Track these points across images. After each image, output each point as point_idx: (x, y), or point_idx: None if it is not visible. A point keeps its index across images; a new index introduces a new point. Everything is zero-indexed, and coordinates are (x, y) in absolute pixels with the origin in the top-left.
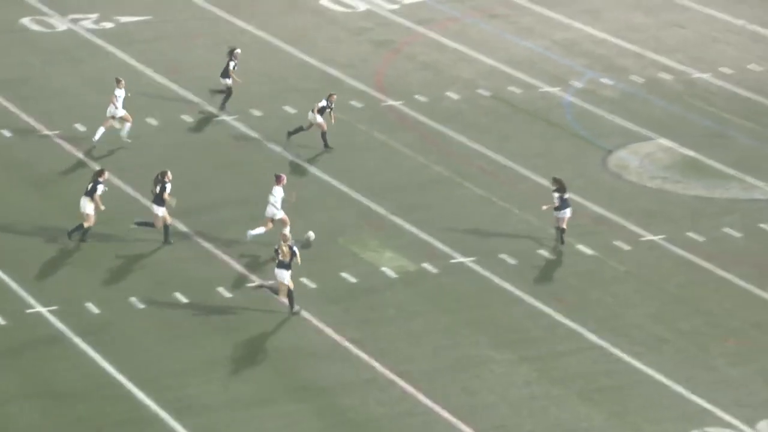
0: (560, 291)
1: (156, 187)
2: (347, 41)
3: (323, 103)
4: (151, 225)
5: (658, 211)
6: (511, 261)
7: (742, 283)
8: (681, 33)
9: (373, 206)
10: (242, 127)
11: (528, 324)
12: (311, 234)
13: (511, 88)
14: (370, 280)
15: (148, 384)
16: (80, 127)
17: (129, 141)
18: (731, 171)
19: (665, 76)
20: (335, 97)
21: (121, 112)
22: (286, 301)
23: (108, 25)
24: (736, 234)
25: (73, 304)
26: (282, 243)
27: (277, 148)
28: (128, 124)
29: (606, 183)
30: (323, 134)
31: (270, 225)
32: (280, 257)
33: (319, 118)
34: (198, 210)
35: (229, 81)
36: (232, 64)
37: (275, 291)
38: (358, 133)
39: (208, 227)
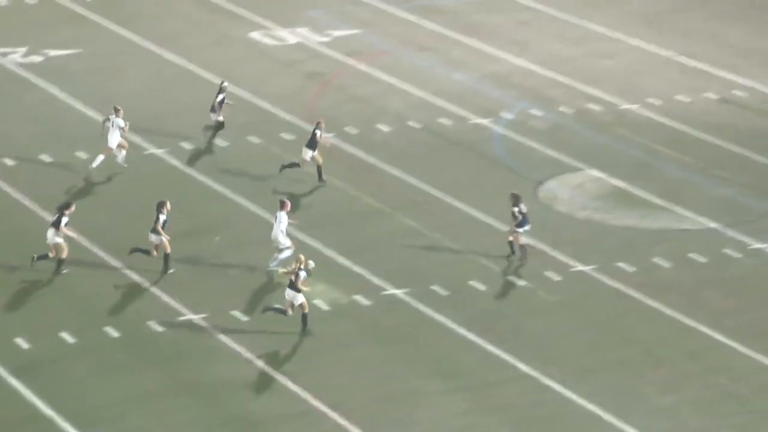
0: (492, 321)
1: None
2: (278, 74)
3: (318, 133)
4: (148, 253)
5: (589, 241)
6: (443, 292)
7: (672, 313)
8: (609, 64)
9: (305, 238)
10: (173, 160)
11: (461, 355)
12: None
13: (442, 120)
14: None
15: (80, 418)
16: (8, 162)
17: (125, 165)
18: (660, 201)
19: (594, 107)
20: (323, 123)
21: (117, 140)
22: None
23: (37, 58)
24: (666, 264)
25: (2, 339)
26: (294, 265)
27: (208, 180)
28: (124, 151)
29: (536, 214)
30: (319, 168)
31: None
32: (292, 278)
33: (311, 153)
34: (128, 243)
35: (217, 115)
36: (220, 97)
37: (283, 312)
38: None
39: (139, 260)
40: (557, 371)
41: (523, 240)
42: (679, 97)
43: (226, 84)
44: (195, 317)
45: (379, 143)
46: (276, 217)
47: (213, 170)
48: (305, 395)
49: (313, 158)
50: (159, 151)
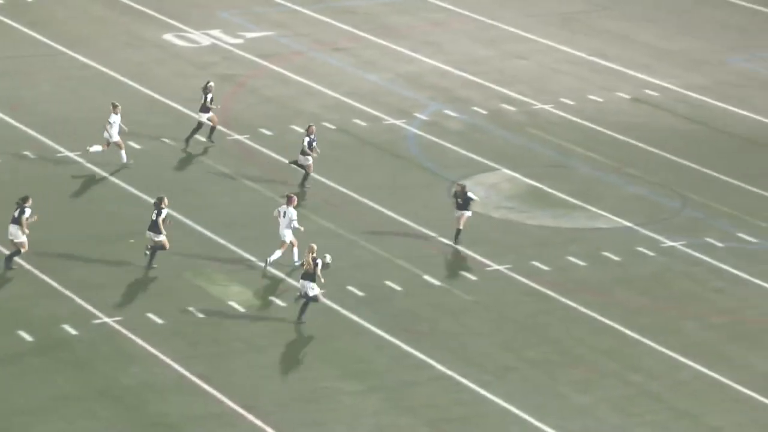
0: (408, 321)
1: (153, 213)
2: (192, 76)
3: (306, 140)
4: (162, 249)
5: (504, 240)
6: (359, 293)
7: (587, 311)
8: (523, 64)
9: (220, 240)
10: (85, 163)
11: (376, 355)
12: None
13: (356, 121)
14: (217, 314)
15: None
16: None
17: (131, 162)
18: (574, 200)
19: (508, 107)
20: (314, 128)
21: (115, 138)
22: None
23: None
24: (581, 263)
25: None
26: (307, 254)
27: (121, 183)
28: (122, 151)
29: (452, 214)
30: (307, 175)
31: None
32: (305, 268)
33: (310, 159)
34: (41, 246)
35: (205, 116)
36: (209, 97)
37: (314, 299)
38: (203, 167)
39: (53, 263)
40: (473, 371)
41: (461, 225)
42: (592, 97)
43: (212, 84)
44: (110, 320)
45: (293, 144)
46: (282, 213)
47: (126, 172)
48: (221, 397)
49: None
50: (71, 154)
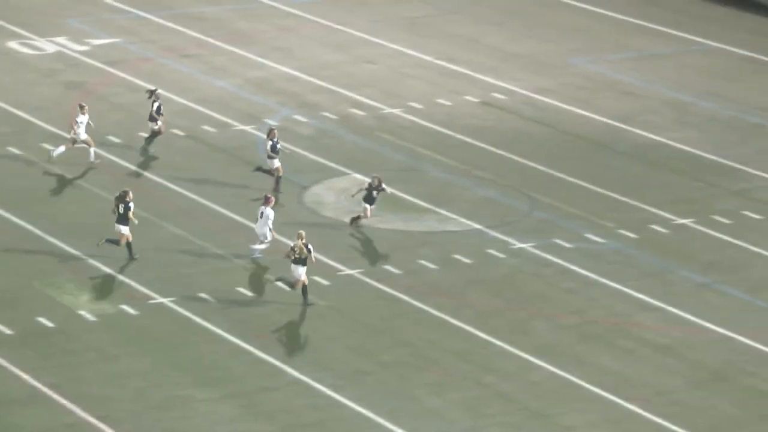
0: (261, 327)
1: (119, 207)
2: (38, 83)
3: (269, 144)
4: (117, 243)
5: (355, 245)
6: (211, 299)
7: (439, 314)
8: (371, 69)
9: (70, 249)
10: None
11: (230, 361)
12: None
13: (206, 127)
14: (67, 323)
15: None
16: None
17: (99, 161)
18: (425, 204)
19: (357, 112)
20: (276, 132)
21: (83, 137)
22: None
23: None
24: (432, 266)
25: None
26: (298, 241)
27: None
28: (92, 149)
29: (303, 219)
30: (278, 178)
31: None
32: (297, 254)
33: (277, 162)
34: None
35: (154, 124)
36: (156, 105)
37: (291, 285)
38: (51, 175)
39: None
40: (328, 375)
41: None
42: (441, 101)
43: (159, 91)
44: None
45: (142, 152)
46: (261, 213)
47: None
48: (72, 407)
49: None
50: None
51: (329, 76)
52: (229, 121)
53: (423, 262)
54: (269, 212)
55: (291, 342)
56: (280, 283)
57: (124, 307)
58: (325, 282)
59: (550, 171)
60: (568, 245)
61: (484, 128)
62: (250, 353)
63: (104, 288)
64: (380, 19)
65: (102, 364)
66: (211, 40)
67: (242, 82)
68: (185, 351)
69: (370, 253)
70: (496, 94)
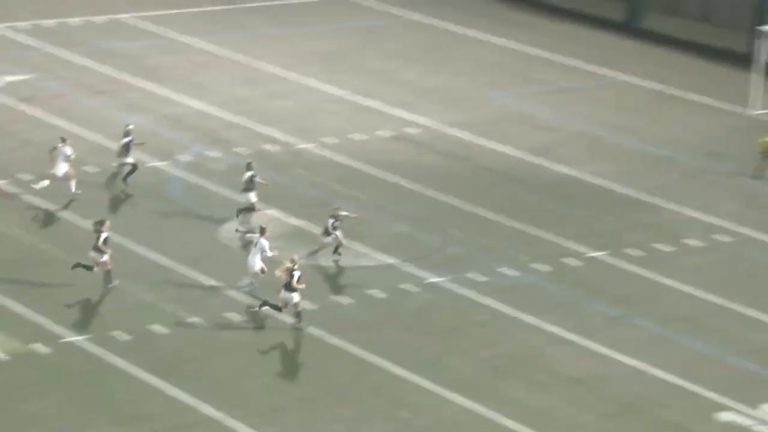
0: (175, 364)
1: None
2: None
3: (248, 175)
4: (90, 268)
5: (270, 281)
6: (125, 337)
7: (354, 349)
8: (285, 104)
9: None
10: None
11: (144, 400)
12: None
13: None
14: None
15: None
16: None
17: (80, 192)
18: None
19: (271, 148)
20: (253, 164)
21: (65, 170)
22: (290, 319)
23: None
24: (346, 301)
25: None
26: (289, 264)
27: None
28: (73, 181)
29: (216, 254)
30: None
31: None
32: (285, 280)
33: (254, 197)
34: None
35: (126, 158)
36: (126, 140)
37: (278, 309)
38: None
39: None
40: (242, 412)
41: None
42: (354, 136)
43: (131, 126)
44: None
45: (54, 189)
46: (255, 243)
47: None
48: None
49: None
50: None
51: (243, 111)
52: (143, 157)
53: (337, 297)
54: (264, 243)
55: (206, 379)
56: (266, 308)
57: (36, 345)
58: (239, 317)
59: (464, 205)
60: (482, 279)
61: (398, 163)
62: (164, 391)
63: (16, 327)
64: (293, 55)
65: (13, 404)
66: (124, 76)
67: (156, 118)
68: (99, 389)
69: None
70: (409, 129)
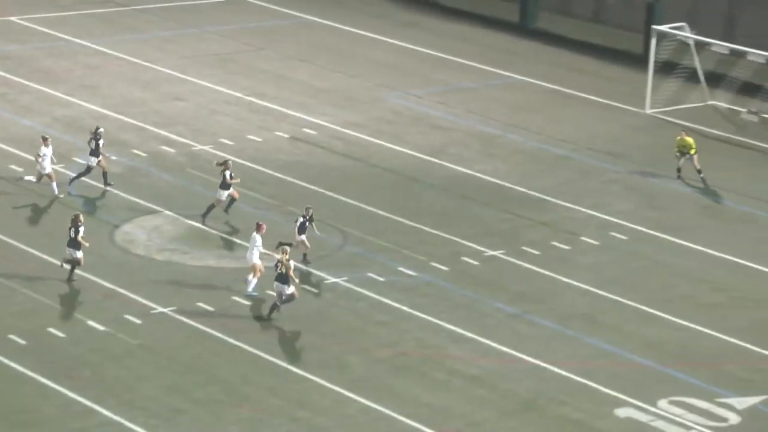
0: (73, 368)
1: (71, 231)
2: None
3: (228, 173)
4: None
5: (168, 283)
6: (21, 341)
7: (252, 350)
8: (180, 106)
9: None
10: None
11: (42, 403)
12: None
13: (13, 167)
14: None
15: None
16: None
17: (63, 195)
18: (237, 240)
19: (168, 149)
20: (230, 163)
21: (47, 170)
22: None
23: None
24: (246, 302)
25: None
26: (282, 255)
27: None
28: (54, 183)
29: (114, 257)
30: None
31: (259, 273)
32: (279, 269)
33: (226, 194)
34: None
35: (94, 160)
36: (96, 143)
37: (291, 298)
38: None
39: None
40: (141, 414)
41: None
42: (251, 137)
43: (102, 130)
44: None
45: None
46: (251, 239)
47: None
48: None
49: (230, 195)
50: None
51: (138, 113)
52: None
53: (236, 298)
54: (257, 238)
55: (103, 382)
56: (275, 313)
57: None
58: (137, 320)
59: (362, 205)
60: (380, 279)
61: (295, 163)
62: (61, 394)
63: None
64: (188, 56)
65: None
66: (17, 78)
67: (50, 121)
68: None
69: (183, 290)
70: (305, 129)
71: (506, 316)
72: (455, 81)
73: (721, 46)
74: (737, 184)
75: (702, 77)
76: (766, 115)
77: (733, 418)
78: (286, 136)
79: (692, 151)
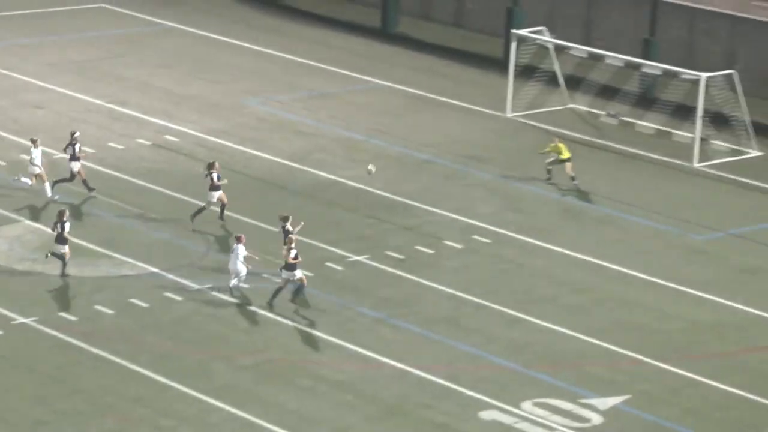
0: None
1: (56, 226)
2: None
3: (215, 175)
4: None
5: (29, 293)
6: None
7: (116, 359)
8: (40, 114)
9: None
10: None
11: None
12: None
13: None
14: None
15: None
16: None
17: (57, 197)
18: (99, 248)
19: (27, 158)
20: (217, 165)
21: (37, 170)
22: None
23: None
24: (108, 311)
25: None
26: (288, 243)
27: None
28: (46, 184)
29: None
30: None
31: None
32: (285, 259)
33: (217, 195)
34: None
35: (77, 165)
36: (73, 148)
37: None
38: None
39: None
40: (3, 426)
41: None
42: (113, 144)
43: (78, 134)
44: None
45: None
46: (233, 249)
47: None
48: None
49: (219, 199)
50: None
51: None
52: None
53: (99, 307)
54: (240, 248)
55: None
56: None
57: None
58: (0, 331)
59: (226, 212)
60: (245, 285)
61: (158, 171)
62: None
63: None
64: (47, 64)
65: None
66: None
67: None
68: None
69: (45, 300)
70: (168, 137)
71: (371, 321)
72: (318, 86)
73: (579, 49)
74: (598, 187)
75: (562, 81)
76: (625, 118)
77: (596, 419)
78: (149, 143)
79: (565, 156)
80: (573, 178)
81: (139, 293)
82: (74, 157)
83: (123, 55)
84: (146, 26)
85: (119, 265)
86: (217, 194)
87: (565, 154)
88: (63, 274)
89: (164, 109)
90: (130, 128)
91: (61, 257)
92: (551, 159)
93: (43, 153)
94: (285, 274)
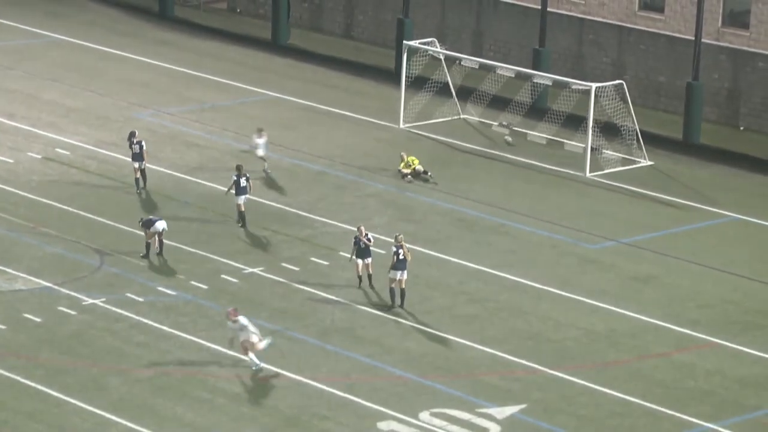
0: None
1: None
2: None
3: (243, 179)
4: None
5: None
6: None
7: (9, 375)
8: None
9: None
10: None
11: None
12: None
13: None
14: None
15: None
16: None
17: None
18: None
19: None
20: (243, 168)
21: None
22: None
23: None
24: (1, 326)
25: None
26: (397, 243)
27: None
28: None
29: None
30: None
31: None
32: (399, 257)
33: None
34: None
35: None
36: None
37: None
38: None
39: None
40: None
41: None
42: (2, 158)
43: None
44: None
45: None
46: (242, 326)
47: None
48: None
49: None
50: None
51: None
52: None
53: None
54: (245, 320)
55: None
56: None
57: None
58: None
59: (118, 225)
60: (139, 299)
61: (48, 184)
62: None
63: None
64: None
65: None
66: None
67: None
68: None
69: None
70: (58, 150)
71: (267, 333)
72: (210, 99)
73: (470, 60)
74: (490, 196)
75: (453, 91)
76: (516, 128)
77: (494, 428)
78: (39, 156)
79: (416, 164)
80: (426, 171)
81: (33, 308)
82: (136, 157)
83: (11, 68)
84: (35, 38)
85: (11, 279)
86: (243, 198)
87: (415, 162)
88: None
89: (53, 122)
90: (19, 141)
91: None
92: (408, 172)
93: None
94: (395, 274)
